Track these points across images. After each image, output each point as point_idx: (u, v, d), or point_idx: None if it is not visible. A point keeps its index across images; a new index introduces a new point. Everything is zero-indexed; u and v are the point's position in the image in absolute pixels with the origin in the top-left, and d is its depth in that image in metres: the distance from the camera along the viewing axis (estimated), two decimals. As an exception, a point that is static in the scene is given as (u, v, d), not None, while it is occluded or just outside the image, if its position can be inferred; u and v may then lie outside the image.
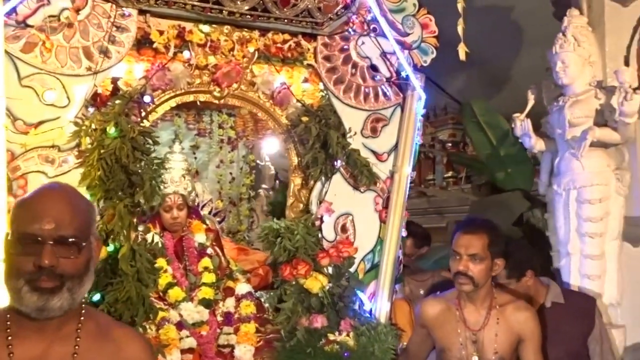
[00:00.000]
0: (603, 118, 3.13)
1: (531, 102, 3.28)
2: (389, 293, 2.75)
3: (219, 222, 3.48)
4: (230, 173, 3.74)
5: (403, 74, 2.84)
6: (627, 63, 3.27)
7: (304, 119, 2.65)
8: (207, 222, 3.15)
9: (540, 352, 2.40)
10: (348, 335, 2.58)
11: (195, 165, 3.62)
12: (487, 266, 2.39)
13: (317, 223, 2.72)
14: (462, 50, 2.90)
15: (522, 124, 3.27)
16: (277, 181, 3.98)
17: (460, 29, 2.88)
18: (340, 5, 2.68)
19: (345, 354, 2.52)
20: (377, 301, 2.75)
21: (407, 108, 2.83)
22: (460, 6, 2.88)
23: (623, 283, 3.11)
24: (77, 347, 1.23)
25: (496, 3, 5.34)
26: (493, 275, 2.47)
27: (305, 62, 2.75)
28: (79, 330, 1.26)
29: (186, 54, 2.55)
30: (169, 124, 3.51)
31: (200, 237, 2.95)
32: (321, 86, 2.80)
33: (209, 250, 2.94)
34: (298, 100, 2.74)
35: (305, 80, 2.79)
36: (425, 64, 2.93)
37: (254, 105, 2.73)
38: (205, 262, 2.88)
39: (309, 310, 2.65)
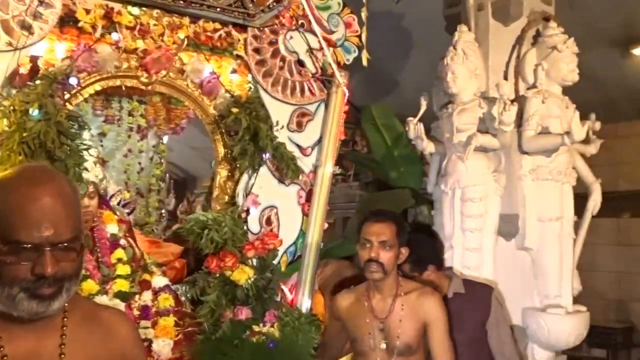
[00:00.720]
0: (485, 126, 3.43)
1: (423, 108, 3.51)
2: (311, 285, 2.81)
3: (128, 214, 3.36)
4: (139, 163, 3.61)
5: (329, 70, 2.91)
6: (506, 77, 3.59)
7: (234, 110, 2.63)
8: (117, 213, 3.04)
9: (446, 336, 2.55)
10: (273, 326, 2.60)
11: (102, 153, 3.46)
12: (395, 254, 2.52)
13: (244, 215, 2.72)
14: (364, 57, 3.06)
15: (415, 128, 3.49)
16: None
17: (363, 36, 3.04)
18: (272, -1, 2.70)
19: (271, 345, 2.54)
20: (299, 293, 2.80)
21: (332, 104, 2.90)
22: (364, 15, 3.04)
23: (497, 272, 3.40)
24: (63, 336, 1.16)
25: (388, 9, 5.58)
26: (399, 265, 2.60)
27: (234, 53, 2.73)
28: (65, 320, 1.19)
29: (115, 36, 2.43)
30: (75, 109, 3.32)
31: (112, 228, 2.83)
32: (249, 78, 2.79)
33: (122, 242, 2.84)
34: (227, 91, 2.71)
35: (234, 71, 2.77)
36: (348, 62, 3.02)
37: (181, 94, 2.67)
38: (119, 253, 2.77)
39: (233, 303, 2.64)
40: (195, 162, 11.25)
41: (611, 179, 7.98)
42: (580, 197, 3.54)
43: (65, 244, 1.11)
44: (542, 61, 3.44)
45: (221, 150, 2.74)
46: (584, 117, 3.45)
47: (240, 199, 2.72)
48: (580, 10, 4.64)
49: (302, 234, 2.88)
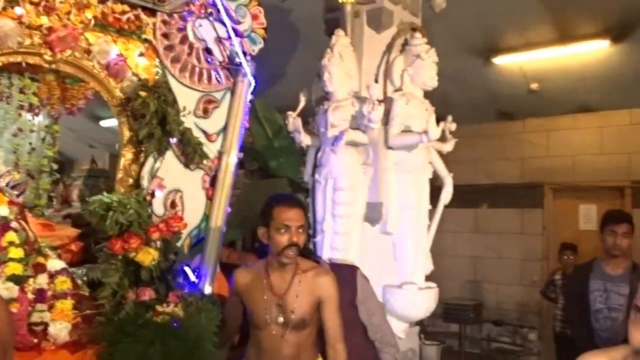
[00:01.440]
0: (356, 122, 3.77)
1: (302, 103, 3.76)
2: (214, 267, 2.90)
3: (17, 196, 3.23)
4: (30, 143, 3.46)
5: (237, 60, 3.00)
6: (376, 80, 3.94)
7: (142, 93, 2.64)
8: (7, 194, 2.93)
9: (337, 312, 2.75)
10: (177, 306, 2.66)
11: (-13, 132, 3.30)
12: (306, 236, 2.70)
13: (148, 198, 2.74)
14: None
15: (293, 121, 3.75)
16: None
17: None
18: (183, -15, 2.73)
19: (175, 324, 2.60)
20: (202, 274, 2.87)
21: (237, 93, 3.00)
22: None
23: (363, 254, 3.72)
24: None
25: (277, 3, 5.74)
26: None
27: (143, 37, 2.74)
28: None
29: (18, 10, 2.36)
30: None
31: (2, 210, 2.74)
32: (157, 62, 2.81)
33: (14, 224, 2.75)
34: (134, 74, 2.71)
35: (141, 55, 2.77)
36: (253, 53, 3.12)
37: (86, 74, 2.63)
38: (10, 236, 2.68)
39: (136, 284, 2.66)
40: (73, 144, 10.74)
41: (472, 174, 8.74)
42: (436, 189, 3.93)
43: None
44: (407, 67, 3.85)
45: (126, 133, 2.74)
46: (446, 118, 3.86)
47: (145, 182, 2.74)
48: (447, 21, 5.04)
49: (206, 217, 2.95)
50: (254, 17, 3.13)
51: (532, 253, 8.67)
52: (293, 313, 2.63)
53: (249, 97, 3.03)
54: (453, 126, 3.88)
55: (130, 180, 2.76)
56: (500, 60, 6.83)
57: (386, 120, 3.76)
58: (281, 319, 2.65)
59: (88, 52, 2.60)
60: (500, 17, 5.83)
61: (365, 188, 3.80)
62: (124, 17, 2.66)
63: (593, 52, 5.78)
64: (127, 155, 2.75)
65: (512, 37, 6.26)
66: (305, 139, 3.83)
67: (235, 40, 2.94)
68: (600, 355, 1.70)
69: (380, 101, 3.74)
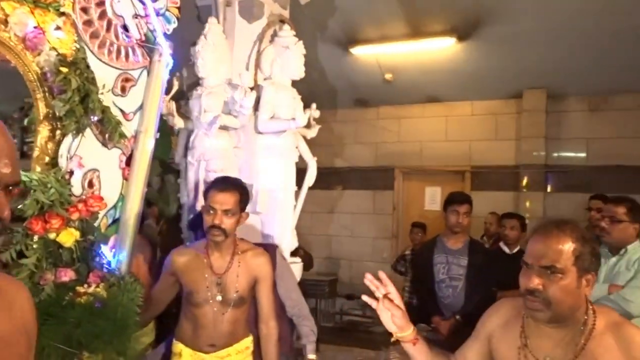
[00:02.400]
0: (228, 108, 4.00)
1: (175, 87, 3.84)
2: (130, 247, 2.89)
3: None
4: None
5: (154, 38, 2.98)
6: (248, 68, 4.17)
7: (63, 69, 2.55)
8: None
9: (271, 291, 2.94)
10: (98, 286, 2.64)
11: None
12: (237, 219, 2.82)
13: (67, 177, 2.66)
14: None
15: (167, 105, 3.86)
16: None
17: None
18: (107, -40, 2.66)
19: (97, 305, 2.59)
20: (118, 254, 2.85)
21: (154, 72, 2.98)
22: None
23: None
24: None
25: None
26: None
27: (61, 10, 2.63)
28: None
29: None
30: None
31: None
32: (75, 37, 2.71)
33: None
34: (52, 48, 2.60)
35: (58, 28, 2.65)
36: (168, 32, 3.11)
37: (2, 46, 2.47)
38: None
39: (55, 265, 2.59)
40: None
41: (329, 158, 9.25)
42: (300, 172, 4.26)
43: None
44: (277, 57, 4.10)
45: (43, 110, 2.62)
46: (310, 104, 4.21)
47: (63, 161, 2.65)
48: (312, 14, 5.34)
49: (122, 197, 2.92)
50: (168, -4, 3.11)
51: (383, 231, 9.38)
52: (234, 292, 2.75)
53: (167, 76, 3.03)
54: (317, 113, 4.24)
55: (47, 159, 2.64)
56: (358, 51, 7.26)
57: (256, 106, 4.01)
58: (219, 297, 2.75)
59: (5, 22, 2.45)
60: (359, 10, 6.23)
61: (236, 170, 4.00)
62: (43, -12, 2.54)
63: (441, 48, 6.35)
64: (43, 132, 2.63)
65: (370, 30, 6.70)
66: (178, 122, 3.97)
67: (155, 18, 2.93)
68: (510, 301, 2.07)
69: (251, 88, 3.97)
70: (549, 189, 7.86)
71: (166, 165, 5.22)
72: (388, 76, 7.83)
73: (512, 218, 5.67)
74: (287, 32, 4.10)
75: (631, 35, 4.93)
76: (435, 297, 4.73)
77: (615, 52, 5.36)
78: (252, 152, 4.05)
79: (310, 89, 4.22)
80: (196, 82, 4.05)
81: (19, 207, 2.47)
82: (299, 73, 4.08)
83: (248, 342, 3.01)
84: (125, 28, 2.90)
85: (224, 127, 3.94)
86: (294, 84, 4.17)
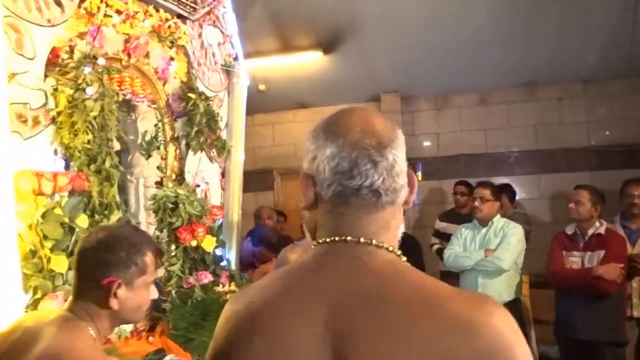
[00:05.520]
0: None
1: None
2: (236, 248, 3.26)
3: None
4: None
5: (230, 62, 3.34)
6: None
7: (192, 95, 2.88)
8: None
9: None
10: (230, 285, 3.00)
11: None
12: None
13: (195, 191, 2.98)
14: None
15: None
16: None
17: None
18: (213, -4, 3.01)
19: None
20: (230, 253, 3.22)
21: (235, 92, 3.34)
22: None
23: None
24: None
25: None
26: None
27: (179, 43, 2.93)
28: None
29: (116, 18, 2.42)
30: None
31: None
32: (187, 66, 3.02)
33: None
34: (175, 77, 2.90)
35: (171, 59, 2.95)
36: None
37: (144, 77, 2.74)
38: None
39: (196, 269, 2.91)
40: None
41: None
42: None
43: None
44: None
45: (169, 132, 2.91)
46: None
47: (189, 177, 2.97)
48: None
49: (222, 205, 3.26)
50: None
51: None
52: None
53: (245, 95, 3.40)
54: None
55: (174, 176, 2.95)
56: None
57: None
58: None
59: (147, 56, 2.73)
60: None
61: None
62: (166, 25, 2.83)
63: (309, 60, 7.04)
64: (171, 152, 2.93)
65: (245, 46, 7.16)
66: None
67: (238, 43, 3.29)
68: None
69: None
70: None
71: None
72: (262, 87, 8.33)
73: None
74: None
75: (464, 43, 5.97)
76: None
77: (453, 57, 6.40)
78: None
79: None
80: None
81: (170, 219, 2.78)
82: None
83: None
84: (213, 55, 3.24)
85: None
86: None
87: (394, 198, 1.01)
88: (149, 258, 1.62)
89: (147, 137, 2.96)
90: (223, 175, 3.29)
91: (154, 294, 1.67)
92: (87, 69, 2.08)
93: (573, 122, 6.70)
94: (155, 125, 2.90)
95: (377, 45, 6.13)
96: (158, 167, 3.00)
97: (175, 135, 2.94)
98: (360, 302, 0.91)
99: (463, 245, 3.95)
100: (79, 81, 2.08)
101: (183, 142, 2.99)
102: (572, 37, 5.47)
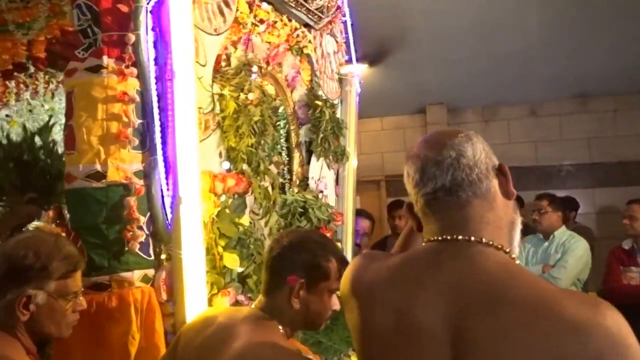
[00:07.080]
0: None
1: None
2: (352, 254, 3.31)
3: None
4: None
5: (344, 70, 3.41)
6: None
7: (318, 102, 2.95)
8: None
9: None
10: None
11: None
12: None
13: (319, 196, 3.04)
14: None
15: None
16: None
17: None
18: (335, 5, 3.09)
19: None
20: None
21: (349, 100, 3.41)
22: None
23: None
24: None
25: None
26: None
27: (304, 52, 3.01)
28: None
29: (261, 27, 2.52)
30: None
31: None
32: (309, 75, 3.10)
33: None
34: (301, 85, 2.99)
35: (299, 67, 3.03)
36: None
37: (276, 84, 2.82)
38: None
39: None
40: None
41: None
42: None
43: None
44: None
45: (294, 139, 2.99)
46: None
47: (312, 182, 3.03)
48: None
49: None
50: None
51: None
52: None
53: (356, 101, 3.47)
54: None
55: (298, 181, 3.02)
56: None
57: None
58: None
59: (279, 65, 2.81)
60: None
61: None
62: (295, 34, 2.92)
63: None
64: (296, 158, 3.01)
65: None
66: None
67: (353, 50, 3.36)
68: None
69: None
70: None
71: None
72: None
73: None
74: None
75: (513, 53, 5.87)
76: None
77: (501, 68, 6.32)
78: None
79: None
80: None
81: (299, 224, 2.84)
82: None
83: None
84: (330, 63, 3.31)
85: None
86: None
87: (474, 190, 1.05)
88: (333, 265, 1.66)
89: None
90: (336, 181, 3.35)
91: (335, 304, 1.68)
92: (253, 76, 2.17)
93: (629, 135, 6.59)
94: (276, 130, 2.96)
95: (424, 57, 6.14)
96: (278, 173, 3.07)
97: (300, 141, 3.01)
98: (479, 303, 0.95)
99: (525, 259, 3.89)
100: (245, 87, 2.17)
101: (304, 149, 3.06)
102: (627, 48, 5.40)
